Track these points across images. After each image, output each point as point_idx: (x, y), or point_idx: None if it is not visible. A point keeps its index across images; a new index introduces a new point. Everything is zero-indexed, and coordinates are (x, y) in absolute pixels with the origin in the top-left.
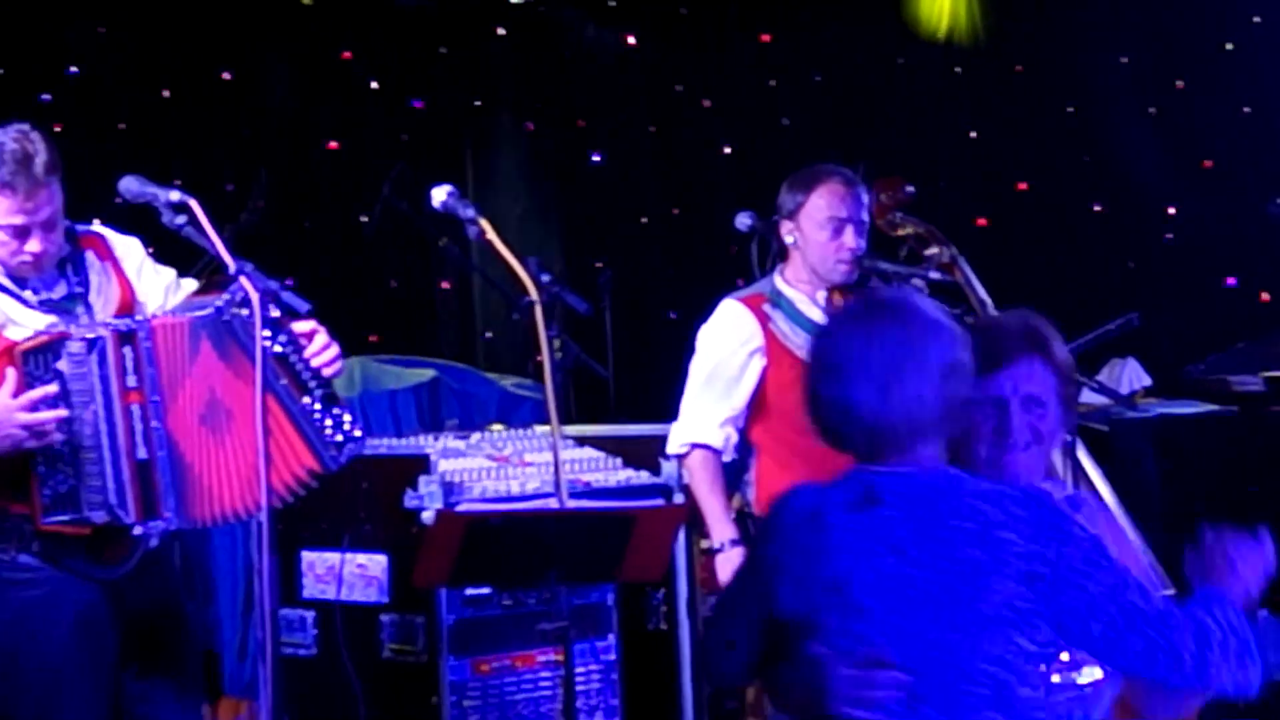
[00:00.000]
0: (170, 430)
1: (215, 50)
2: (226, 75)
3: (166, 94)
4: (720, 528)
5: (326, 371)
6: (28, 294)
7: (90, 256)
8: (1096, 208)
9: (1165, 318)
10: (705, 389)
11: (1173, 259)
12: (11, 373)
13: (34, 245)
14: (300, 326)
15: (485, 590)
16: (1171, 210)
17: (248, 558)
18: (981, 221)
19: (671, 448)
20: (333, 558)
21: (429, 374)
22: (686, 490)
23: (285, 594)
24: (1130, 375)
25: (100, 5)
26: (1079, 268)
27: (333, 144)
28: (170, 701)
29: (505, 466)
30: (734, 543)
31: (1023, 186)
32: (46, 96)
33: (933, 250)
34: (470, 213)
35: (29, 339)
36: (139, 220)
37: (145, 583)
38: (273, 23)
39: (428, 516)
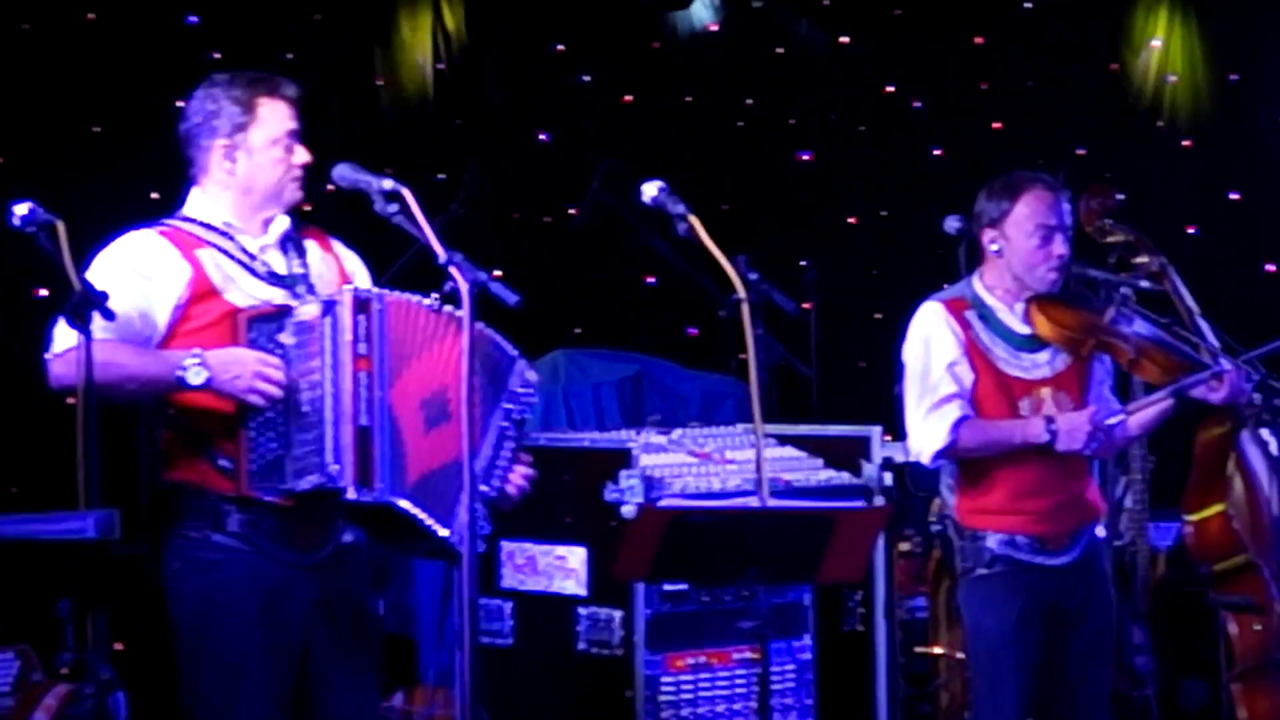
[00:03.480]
0: (391, 404)
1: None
2: (440, 66)
3: (380, 82)
4: (1026, 428)
5: (508, 486)
6: (258, 265)
7: (311, 244)
8: None
9: None
10: (937, 389)
11: None
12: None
13: (301, 156)
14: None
15: (683, 586)
16: None
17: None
18: (1191, 230)
19: (926, 459)
20: (532, 548)
21: (633, 368)
22: (887, 492)
23: (484, 583)
24: None
25: None
26: None
27: (543, 136)
28: (349, 691)
29: (706, 463)
30: (1050, 420)
31: (1235, 196)
32: None
33: (1142, 258)
34: (680, 209)
35: (254, 307)
36: (351, 207)
37: (337, 574)
38: (487, 15)
39: (628, 510)
